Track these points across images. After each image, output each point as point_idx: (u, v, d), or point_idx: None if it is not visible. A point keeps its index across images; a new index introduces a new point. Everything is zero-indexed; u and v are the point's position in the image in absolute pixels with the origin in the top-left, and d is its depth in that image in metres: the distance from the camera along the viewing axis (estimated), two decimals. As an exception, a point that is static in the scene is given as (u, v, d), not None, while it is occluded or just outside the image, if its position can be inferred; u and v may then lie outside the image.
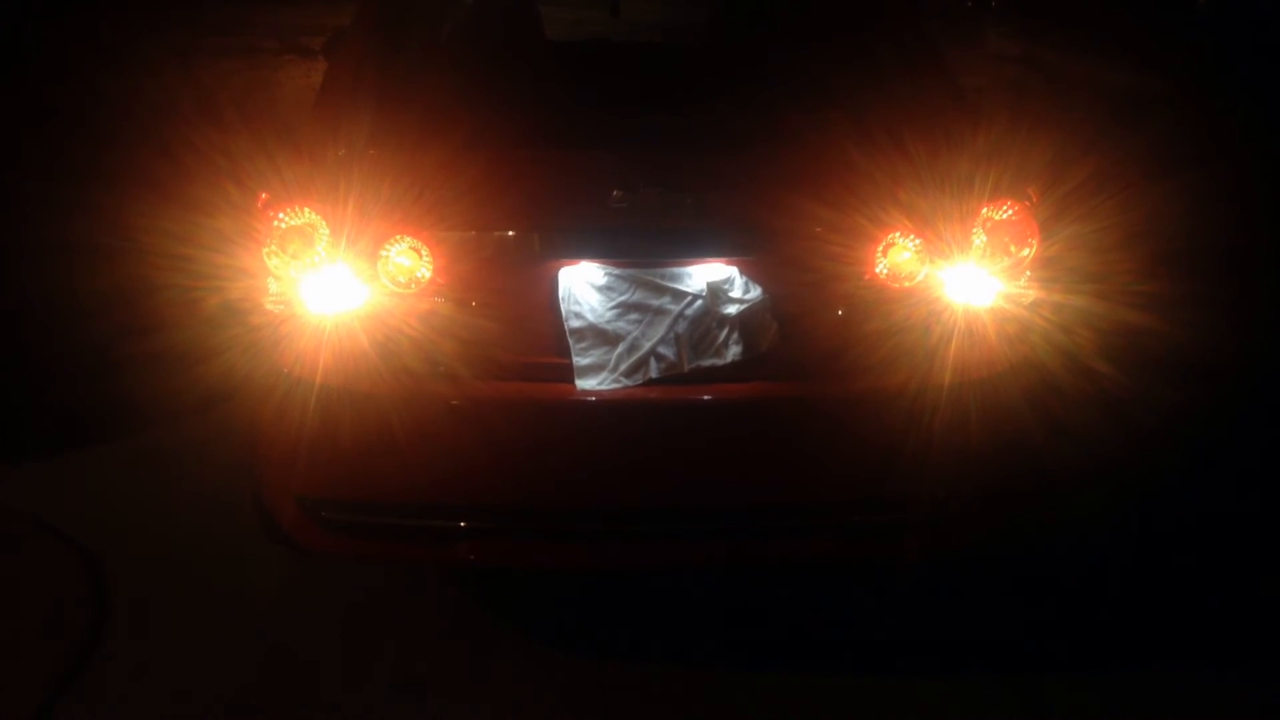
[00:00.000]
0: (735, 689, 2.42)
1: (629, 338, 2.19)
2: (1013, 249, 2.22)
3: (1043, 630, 2.61)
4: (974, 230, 2.20)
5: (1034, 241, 2.23)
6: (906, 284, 2.23)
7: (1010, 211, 2.21)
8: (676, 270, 2.21)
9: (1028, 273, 2.25)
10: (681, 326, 2.20)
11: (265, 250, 2.16)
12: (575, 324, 2.19)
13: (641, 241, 2.19)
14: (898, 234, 2.19)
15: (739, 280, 2.22)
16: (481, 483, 2.19)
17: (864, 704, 2.37)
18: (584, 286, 2.20)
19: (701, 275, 2.21)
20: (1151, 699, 2.40)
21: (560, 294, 2.20)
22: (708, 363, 2.21)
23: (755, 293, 2.21)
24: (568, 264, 2.20)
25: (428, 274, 2.17)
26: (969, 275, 2.22)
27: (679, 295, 2.20)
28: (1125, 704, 2.38)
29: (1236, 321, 3.72)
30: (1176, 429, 3.26)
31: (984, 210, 2.20)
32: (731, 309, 2.20)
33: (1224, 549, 2.91)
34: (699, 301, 2.20)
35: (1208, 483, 3.17)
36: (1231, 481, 3.19)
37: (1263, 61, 4.99)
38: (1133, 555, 2.87)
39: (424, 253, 2.15)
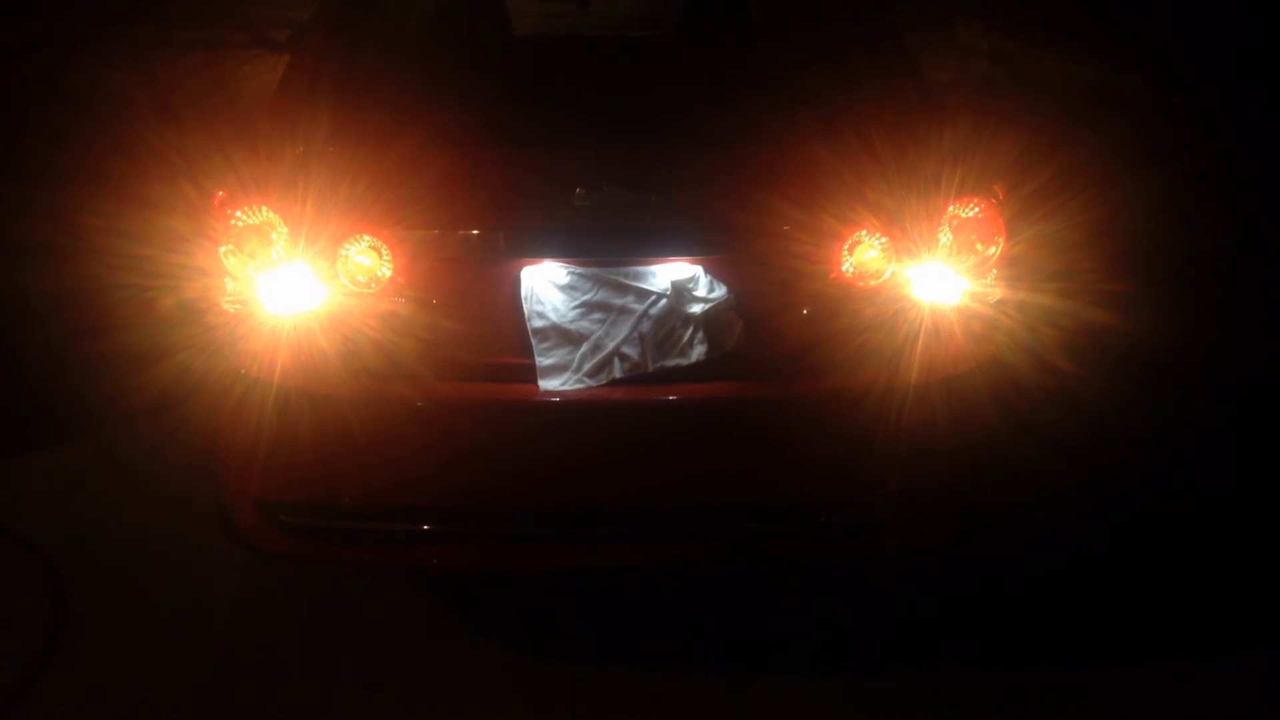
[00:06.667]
0: (706, 691, 2.40)
1: (592, 337, 2.17)
2: (979, 247, 2.21)
3: (1016, 628, 2.61)
4: (940, 228, 2.19)
5: (1000, 239, 2.22)
6: (872, 282, 2.21)
7: (977, 209, 2.20)
8: (640, 269, 2.19)
9: (994, 271, 2.25)
10: (645, 326, 2.17)
11: (222, 249, 2.12)
12: (538, 324, 2.16)
13: (605, 240, 2.17)
14: (864, 232, 2.18)
15: (703, 279, 2.19)
16: (443, 486, 2.17)
17: (839, 705, 2.36)
18: (546, 286, 2.18)
19: (666, 274, 2.19)
20: (1125, 695, 2.40)
21: (523, 293, 2.17)
22: (672, 362, 2.19)
23: (720, 291, 2.19)
24: (530, 263, 2.17)
25: (388, 273, 2.13)
26: (935, 273, 2.21)
27: (643, 294, 2.18)
28: (1100, 701, 2.39)
29: (1196, 320, 3.75)
30: (1137, 426, 3.28)
31: (950, 208, 2.19)
32: (696, 308, 2.18)
33: (1186, 545, 2.93)
34: (663, 301, 2.18)
35: (1168, 479, 3.18)
36: (1192, 477, 3.21)
37: (1227, 61, 5.05)
38: (1099, 551, 2.88)
39: (384, 252, 2.12)
